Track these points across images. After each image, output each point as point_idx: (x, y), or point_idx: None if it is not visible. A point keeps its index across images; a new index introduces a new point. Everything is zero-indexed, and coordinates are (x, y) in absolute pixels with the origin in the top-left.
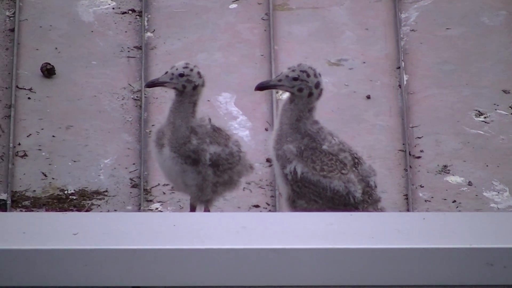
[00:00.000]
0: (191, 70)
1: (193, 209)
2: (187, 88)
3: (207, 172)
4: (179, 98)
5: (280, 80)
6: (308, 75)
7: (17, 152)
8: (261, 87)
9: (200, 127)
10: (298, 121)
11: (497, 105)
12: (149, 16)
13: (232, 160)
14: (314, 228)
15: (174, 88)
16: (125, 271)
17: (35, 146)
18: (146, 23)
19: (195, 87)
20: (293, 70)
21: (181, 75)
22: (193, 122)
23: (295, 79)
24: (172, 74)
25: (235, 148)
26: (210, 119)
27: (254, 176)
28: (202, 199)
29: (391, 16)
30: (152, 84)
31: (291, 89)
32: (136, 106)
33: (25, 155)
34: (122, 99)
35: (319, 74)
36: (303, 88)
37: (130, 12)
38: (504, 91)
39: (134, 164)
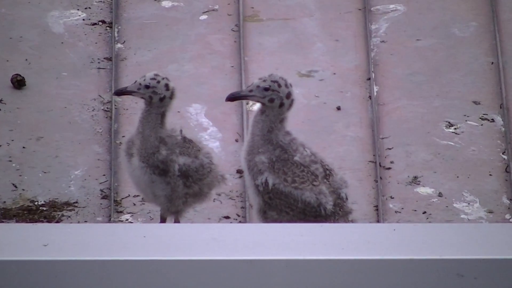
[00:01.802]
0: (158, 82)
1: (163, 220)
2: (153, 99)
3: (177, 183)
4: (148, 108)
5: (251, 91)
6: (279, 85)
7: None
8: (232, 98)
9: (169, 138)
10: (269, 132)
11: (468, 116)
12: (119, 27)
13: (203, 171)
14: (285, 239)
15: (142, 97)
16: (95, 282)
17: (5, 157)
18: (116, 34)
19: (161, 99)
20: (264, 80)
21: (147, 86)
22: (162, 132)
23: (266, 89)
24: (140, 84)
25: (206, 160)
26: (181, 131)
27: (225, 187)
28: (171, 210)
29: (361, 28)
30: (121, 92)
31: (262, 99)
32: (106, 117)
33: None
34: (93, 110)
35: (290, 85)
36: (274, 99)
37: (100, 23)
38: (475, 102)
39: (104, 175)
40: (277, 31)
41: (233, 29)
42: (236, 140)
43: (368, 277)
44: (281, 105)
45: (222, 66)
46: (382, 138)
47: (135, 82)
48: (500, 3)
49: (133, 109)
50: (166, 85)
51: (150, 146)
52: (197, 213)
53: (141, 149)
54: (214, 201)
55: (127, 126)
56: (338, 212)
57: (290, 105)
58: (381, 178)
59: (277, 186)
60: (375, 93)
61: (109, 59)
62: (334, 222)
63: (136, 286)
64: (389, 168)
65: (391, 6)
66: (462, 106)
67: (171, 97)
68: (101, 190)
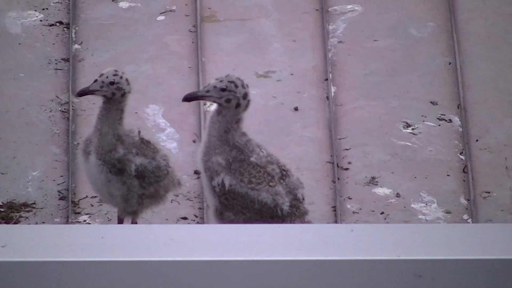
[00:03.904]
0: (121, 77)
1: (120, 221)
2: (116, 95)
3: (133, 183)
4: (107, 105)
5: (208, 91)
6: (236, 86)
7: None
8: (188, 98)
9: (127, 137)
10: (226, 133)
11: (425, 117)
12: (76, 28)
13: (159, 173)
14: (243, 240)
15: (104, 95)
16: (53, 283)
17: None
18: (73, 35)
19: (123, 94)
20: (221, 81)
21: (112, 83)
22: (120, 130)
23: (223, 89)
24: (103, 82)
25: (162, 162)
26: (139, 132)
27: (182, 188)
28: (128, 211)
29: (318, 28)
30: (83, 93)
31: (219, 100)
32: (63, 118)
33: None
34: (50, 111)
35: (247, 85)
36: (231, 99)
37: (58, 24)
38: (432, 103)
39: (62, 176)
40: (234, 32)
41: (190, 29)
42: (194, 141)
43: (326, 278)
44: (238, 105)
45: (179, 67)
46: (340, 139)
47: (95, 81)
48: (457, 3)
49: (91, 110)
50: (127, 80)
51: (108, 144)
52: (155, 214)
53: (98, 146)
54: (171, 202)
55: (84, 127)
56: (295, 213)
57: (247, 105)
58: (338, 178)
59: (234, 187)
60: (332, 94)
61: (67, 60)
62: (290, 222)
63: (93, 287)
64: (346, 169)
65: (349, 6)
66: (420, 106)
67: (130, 91)
68: (59, 191)
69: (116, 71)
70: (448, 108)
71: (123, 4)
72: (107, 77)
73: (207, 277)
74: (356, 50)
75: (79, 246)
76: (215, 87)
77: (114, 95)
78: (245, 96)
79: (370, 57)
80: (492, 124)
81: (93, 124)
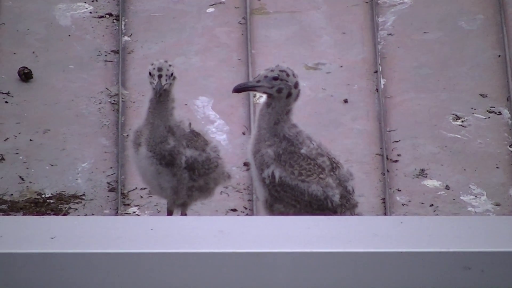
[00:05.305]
0: (171, 66)
1: (170, 213)
2: (171, 85)
3: (183, 175)
4: (159, 98)
5: (258, 81)
6: (288, 75)
7: None
8: (239, 89)
9: (177, 128)
10: (276, 125)
11: (475, 109)
12: (126, 20)
13: (209, 165)
14: (292, 232)
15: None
16: (102, 275)
17: (12, 150)
18: (123, 27)
19: (171, 84)
20: (272, 70)
21: (170, 75)
22: (171, 121)
23: (275, 78)
24: (167, 75)
25: (212, 154)
26: (190, 124)
27: (232, 180)
28: (178, 203)
29: (368, 20)
30: (160, 91)
31: (270, 90)
32: (113, 110)
33: (3, 159)
34: (100, 103)
35: (297, 75)
36: (283, 88)
37: (107, 16)
38: (482, 95)
39: (111, 168)
40: (284, 24)
41: (240, 22)
42: (243, 133)
43: (375, 270)
44: (289, 95)
45: (229, 59)
46: (389, 131)
47: (160, 78)
48: None
49: (140, 101)
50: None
51: (159, 136)
52: (204, 206)
53: (149, 138)
54: (221, 194)
55: (134, 118)
56: (345, 205)
57: (297, 95)
58: (388, 171)
59: (284, 179)
60: (382, 86)
61: (116, 52)
62: (340, 215)
63: (143, 279)
64: (396, 161)
65: None
66: (469, 99)
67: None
68: (108, 183)
69: (167, 61)
70: (497, 101)
71: None
72: (167, 69)
73: (257, 269)
74: (405, 43)
75: (128, 237)
76: (266, 76)
77: (170, 85)
78: (296, 85)
79: (420, 49)
80: None
81: (142, 117)
